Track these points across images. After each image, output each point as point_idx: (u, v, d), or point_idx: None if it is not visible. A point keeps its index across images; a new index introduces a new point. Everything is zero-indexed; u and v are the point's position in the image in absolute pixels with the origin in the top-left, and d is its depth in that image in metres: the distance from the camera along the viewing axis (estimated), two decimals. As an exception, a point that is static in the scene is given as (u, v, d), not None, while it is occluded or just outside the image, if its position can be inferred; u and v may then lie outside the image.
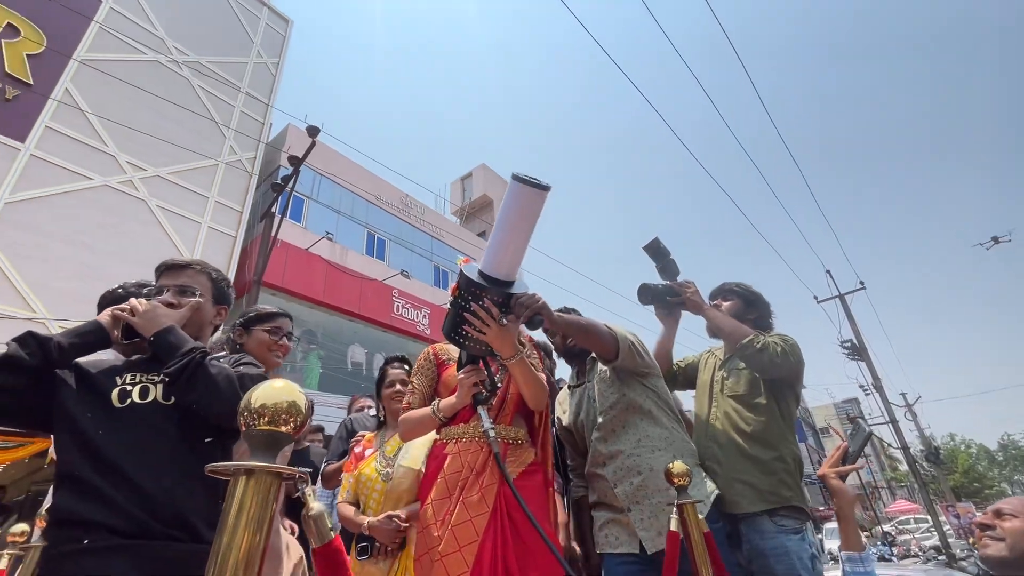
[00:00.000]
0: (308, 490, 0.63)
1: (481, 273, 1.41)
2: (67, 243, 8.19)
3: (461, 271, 1.44)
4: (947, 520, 14.81)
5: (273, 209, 9.44)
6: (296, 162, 8.54)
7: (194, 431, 1.14)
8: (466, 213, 19.89)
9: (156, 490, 1.03)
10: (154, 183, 9.67)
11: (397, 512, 1.80)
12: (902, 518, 23.46)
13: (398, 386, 2.20)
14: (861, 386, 14.31)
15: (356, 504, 1.98)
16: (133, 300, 1.24)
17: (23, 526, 1.97)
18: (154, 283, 1.45)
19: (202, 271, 1.43)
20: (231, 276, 10.25)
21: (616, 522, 1.67)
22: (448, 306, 1.49)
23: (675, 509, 1.29)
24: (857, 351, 12.99)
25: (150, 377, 1.19)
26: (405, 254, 14.75)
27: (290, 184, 8.84)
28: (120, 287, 1.60)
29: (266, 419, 0.54)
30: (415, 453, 1.96)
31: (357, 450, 2.15)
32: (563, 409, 2.01)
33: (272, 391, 0.56)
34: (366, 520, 1.84)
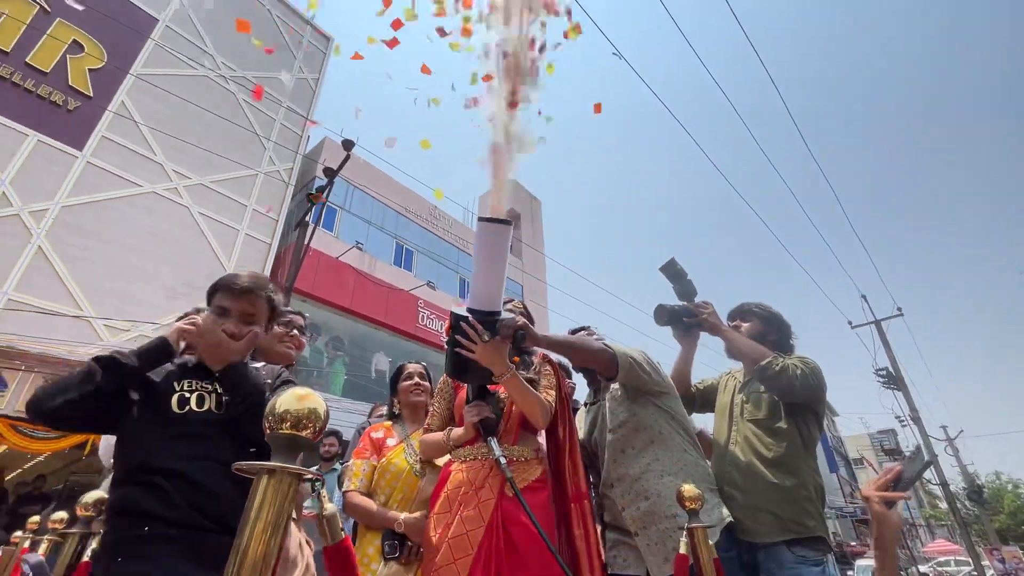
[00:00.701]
0: (323, 491, 0.67)
1: (468, 309, 1.55)
2: (115, 245, 8.65)
3: (452, 312, 1.57)
4: (991, 564, 13.94)
5: (307, 219, 9.78)
6: (331, 174, 8.82)
7: (241, 442, 1.27)
8: (493, 226, 20.07)
9: (207, 490, 1.15)
10: (197, 191, 10.14)
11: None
12: (942, 559, 22.13)
13: (416, 379, 2.18)
14: (898, 417, 13.68)
15: (368, 494, 1.89)
16: (197, 318, 1.35)
17: (62, 513, 2.09)
18: (206, 295, 1.51)
19: (262, 296, 1.44)
20: (264, 282, 10.62)
21: (625, 544, 1.67)
22: (445, 346, 1.60)
23: (685, 532, 1.29)
24: (893, 380, 12.47)
25: (204, 385, 1.30)
26: (432, 265, 14.99)
27: (325, 194, 9.13)
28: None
29: (288, 424, 0.60)
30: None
31: (376, 435, 2.04)
32: (579, 427, 2.02)
33: (294, 398, 0.61)
34: (401, 516, 1.75)
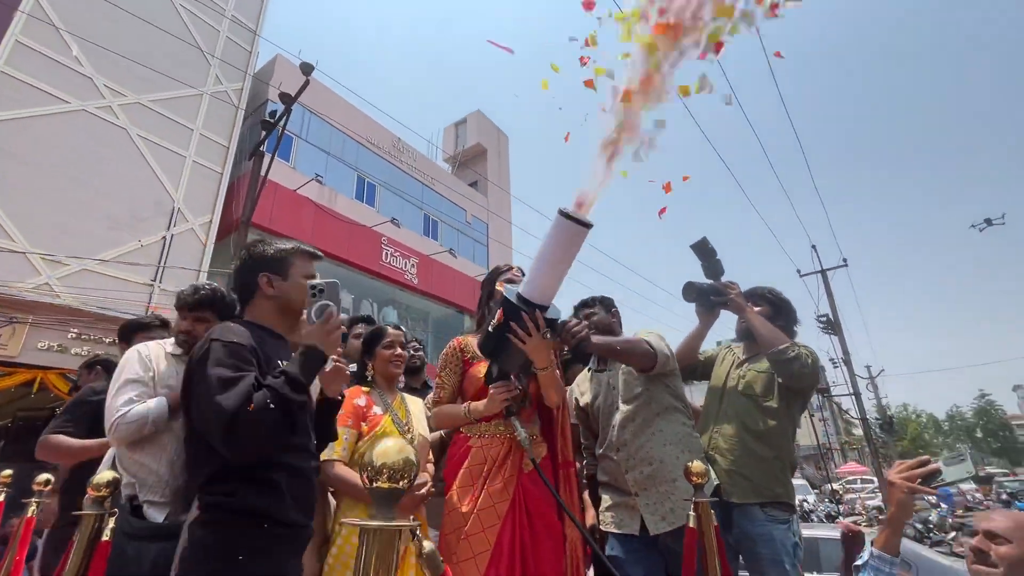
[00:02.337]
0: (420, 534, 0.68)
1: (519, 296, 1.52)
2: (47, 172, 7.84)
3: (504, 296, 1.57)
4: (891, 482, 16.01)
5: (262, 148, 9.10)
6: (288, 100, 8.17)
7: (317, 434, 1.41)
8: (459, 161, 19.43)
9: (310, 485, 1.31)
10: (135, 111, 9.18)
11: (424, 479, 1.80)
12: (850, 478, 25.24)
13: (398, 349, 2.10)
14: (831, 359, 14.97)
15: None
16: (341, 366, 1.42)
17: (47, 476, 2.03)
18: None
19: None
20: (218, 215, 10.01)
21: (623, 505, 1.81)
22: (488, 328, 1.61)
23: (692, 506, 1.39)
24: (832, 326, 13.48)
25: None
26: (396, 201, 14.49)
27: (282, 123, 8.48)
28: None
29: (385, 477, 0.59)
30: (422, 421, 2.02)
31: (358, 402, 1.93)
32: (581, 391, 2.12)
33: (392, 451, 0.60)
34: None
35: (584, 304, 2.12)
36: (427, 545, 0.68)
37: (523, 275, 1.95)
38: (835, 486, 22.12)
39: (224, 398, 1.10)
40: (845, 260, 14.33)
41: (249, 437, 1.10)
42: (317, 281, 1.36)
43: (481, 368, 1.82)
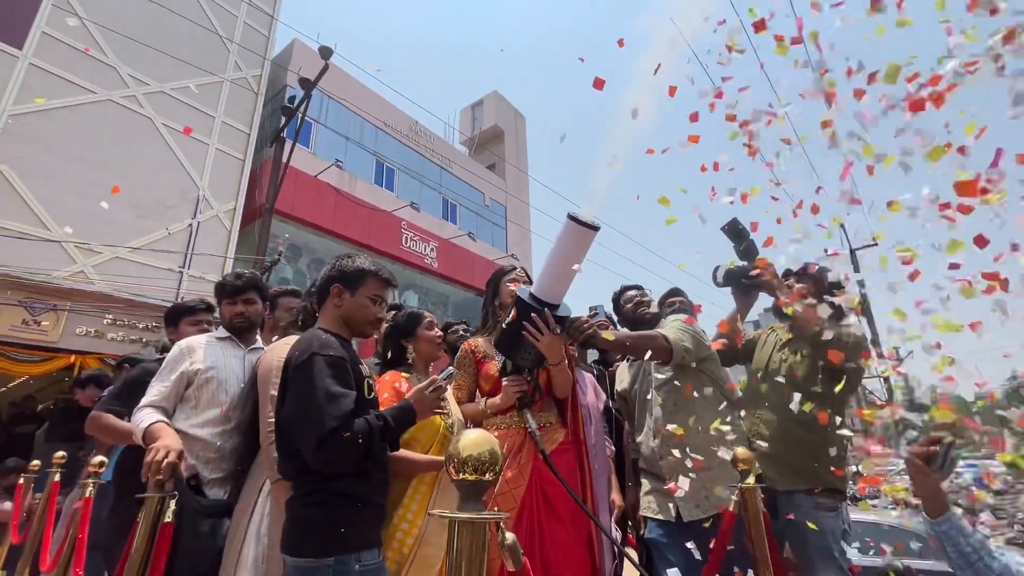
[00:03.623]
0: (503, 525, 0.68)
1: (532, 295, 1.64)
2: (76, 160, 8.00)
3: (517, 295, 1.69)
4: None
5: (282, 134, 9.14)
6: (308, 85, 8.17)
7: None
8: (476, 143, 19.28)
9: (388, 479, 1.51)
10: (158, 100, 9.28)
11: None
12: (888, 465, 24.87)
13: (437, 330, 2.15)
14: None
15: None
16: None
17: (101, 457, 2.11)
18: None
19: None
20: (241, 202, 10.15)
21: (657, 491, 1.81)
22: (503, 325, 1.72)
23: (737, 491, 1.38)
24: (860, 308, 13.15)
25: (365, 372, 1.54)
26: (414, 185, 14.48)
27: (302, 108, 8.49)
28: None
29: (471, 468, 0.59)
30: (454, 405, 2.08)
31: (399, 386, 1.97)
32: (621, 379, 2.13)
33: (475, 443, 0.60)
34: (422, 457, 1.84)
35: (627, 298, 2.18)
36: (509, 536, 0.68)
37: (527, 275, 2.07)
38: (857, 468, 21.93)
39: (329, 412, 1.26)
40: (875, 239, 13.87)
41: (335, 454, 1.26)
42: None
43: (493, 366, 1.92)
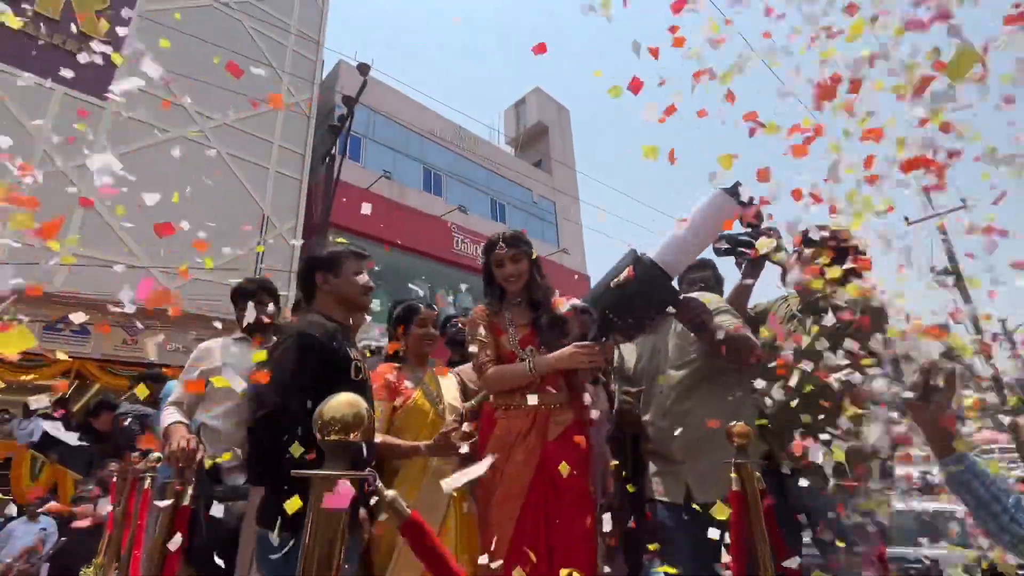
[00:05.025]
0: (379, 483, 0.71)
1: (654, 262, 1.54)
2: (155, 195, 8.87)
3: (636, 255, 1.59)
4: (1038, 451, 13.99)
5: (333, 151, 9.66)
6: (350, 102, 8.57)
7: None
8: (521, 142, 19.33)
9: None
10: (222, 132, 10.10)
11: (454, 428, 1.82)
12: (985, 446, 22.34)
13: (429, 327, 2.18)
14: (950, 314, 13.12)
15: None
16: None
17: (158, 454, 2.34)
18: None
19: None
20: (300, 220, 10.82)
21: (669, 473, 1.74)
22: (611, 283, 1.59)
23: (733, 467, 1.32)
24: (952, 282, 11.85)
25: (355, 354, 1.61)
26: (462, 188, 14.77)
27: (346, 124, 8.93)
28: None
29: (338, 429, 0.61)
30: (452, 393, 2.12)
31: (390, 378, 2.05)
32: (626, 354, 2.05)
33: (342, 404, 0.63)
34: (423, 444, 1.83)
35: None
36: (390, 493, 0.70)
37: (506, 248, 1.87)
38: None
39: (269, 398, 1.35)
40: (964, 201, 12.45)
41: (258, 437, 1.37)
42: None
43: (507, 337, 1.82)
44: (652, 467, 1.83)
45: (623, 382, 2.05)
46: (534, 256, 1.90)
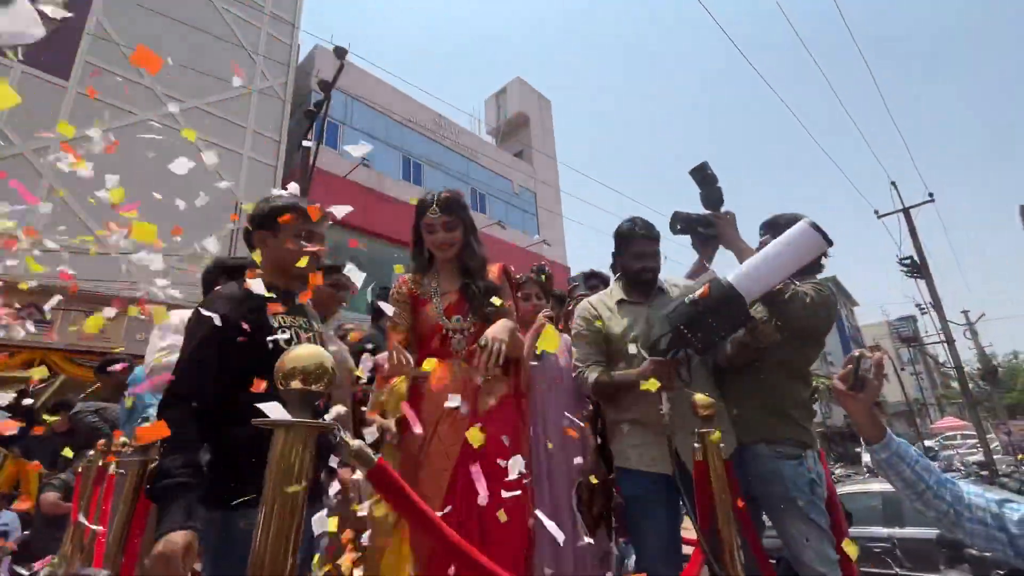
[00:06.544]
0: (343, 434, 0.69)
1: (731, 285, 1.56)
2: (126, 180, 8.57)
3: (716, 276, 1.64)
4: (997, 437, 14.63)
5: (309, 137, 9.45)
6: (326, 87, 8.38)
7: None
8: (502, 132, 19.23)
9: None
10: (193, 115, 9.77)
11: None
12: (948, 433, 23.26)
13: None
14: (918, 305, 13.67)
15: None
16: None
17: (125, 438, 2.27)
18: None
19: None
20: (276, 206, 10.60)
21: (656, 444, 1.71)
22: (686, 300, 1.61)
23: (697, 437, 1.35)
24: (917, 268, 12.27)
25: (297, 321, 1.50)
26: (441, 177, 14.63)
27: (323, 110, 8.73)
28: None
29: (299, 379, 0.60)
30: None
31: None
32: (609, 317, 1.96)
33: (303, 354, 0.61)
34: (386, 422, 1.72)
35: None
36: (355, 442, 0.68)
37: (439, 213, 1.83)
38: (929, 443, 20.54)
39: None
40: (931, 195, 12.89)
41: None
42: None
43: (431, 306, 1.76)
44: (631, 438, 1.80)
45: (595, 340, 1.96)
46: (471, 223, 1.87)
